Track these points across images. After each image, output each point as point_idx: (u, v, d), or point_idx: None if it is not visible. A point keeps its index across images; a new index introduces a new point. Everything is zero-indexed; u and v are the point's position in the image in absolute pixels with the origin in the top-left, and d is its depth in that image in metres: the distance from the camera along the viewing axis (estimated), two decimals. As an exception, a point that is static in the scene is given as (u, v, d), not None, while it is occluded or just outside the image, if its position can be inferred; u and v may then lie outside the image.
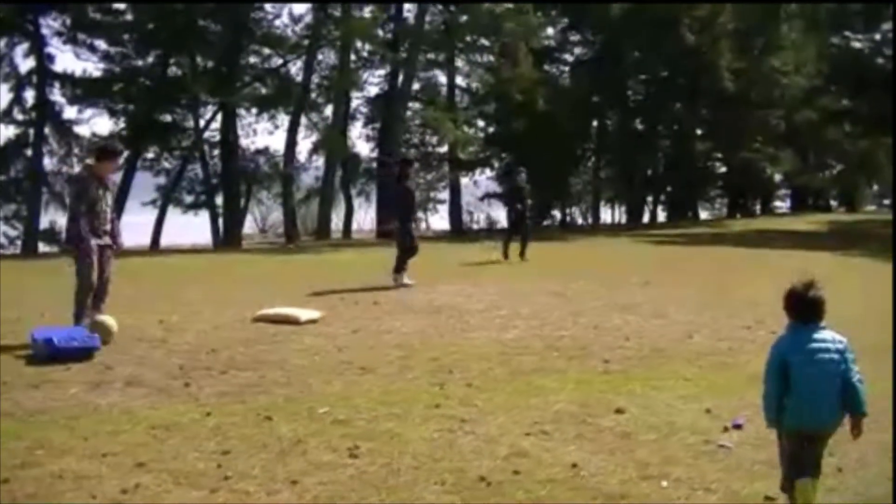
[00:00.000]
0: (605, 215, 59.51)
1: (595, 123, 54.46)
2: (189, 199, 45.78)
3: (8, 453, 7.21)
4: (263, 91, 44.93)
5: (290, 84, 44.62)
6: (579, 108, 49.33)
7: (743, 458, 7.09)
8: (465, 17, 45.55)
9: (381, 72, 48.31)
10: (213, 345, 11.63)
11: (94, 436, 7.74)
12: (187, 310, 14.60)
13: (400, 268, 18.04)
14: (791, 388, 5.97)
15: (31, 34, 40.17)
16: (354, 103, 49.66)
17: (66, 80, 41.19)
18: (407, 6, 46.46)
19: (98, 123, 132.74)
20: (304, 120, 45.25)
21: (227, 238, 42.47)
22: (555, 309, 14.98)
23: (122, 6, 41.77)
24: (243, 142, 46.15)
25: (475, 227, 53.36)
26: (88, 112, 42.45)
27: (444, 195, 52.33)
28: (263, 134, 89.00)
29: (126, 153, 36.21)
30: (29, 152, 41.06)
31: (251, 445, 7.50)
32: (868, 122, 48.62)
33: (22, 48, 40.76)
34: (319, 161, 46.62)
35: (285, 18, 65.19)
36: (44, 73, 40.41)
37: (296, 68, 45.78)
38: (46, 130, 41.20)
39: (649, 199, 57.17)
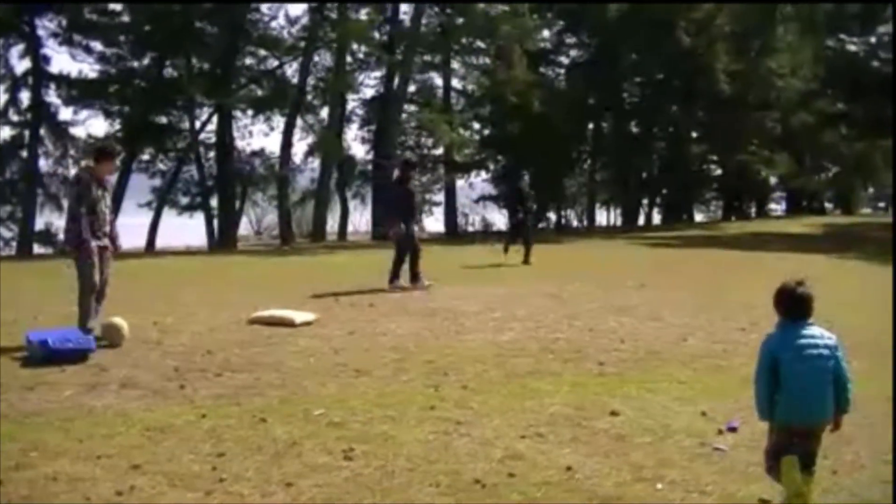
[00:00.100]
0: (601, 217, 59.51)
1: (591, 126, 54.48)
2: (184, 200, 45.74)
3: (2, 455, 7.21)
4: (259, 93, 44.83)
5: (286, 86, 44.58)
6: (575, 111, 49.32)
7: (738, 460, 7.09)
8: (461, 20, 45.54)
9: (377, 74, 48.30)
10: (208, 347, 11.63)
11: (89, 438, 7.73)
12: (182, 311, 14.60)
13: (396, 274, 18.01)
14: (782, 385, 6.10)
15: (27, 35, 40.08)
16: (350, 105, 49.69)
17: (62, 81, 41.11)
18: (403, 8, 46.51)
19: (94, 125, 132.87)
20: (299, 122, 45.25)
21: (223, 240, 42.41)
22: (550, 311, 14.98)
23: (118, 7, 41.76)
24: (239, 143, 46.12)
25: (470, 229, 53.32)
26: (84, 113, 42.43)
27: (440, 197, 52.30)
28: (259, 136, 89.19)
29: (122, 154, 36.22)
30: (24, 154, 40.94)
31: (246, 447, 7.49)
32: (864, 125, 48.77)
33: (17, 49, 40.73)
34: (315, 163, 46.63)
35: (281, 20, 64.75)
36: (39, 75, 40.34)
37: (292, 70, 45.83)
38: (42, 132, 41.11)
39: (645, 201, 57.18)
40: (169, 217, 44.88)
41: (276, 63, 45.83)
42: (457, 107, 50.28)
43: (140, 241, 38.98)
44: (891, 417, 8.25)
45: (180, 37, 40.33)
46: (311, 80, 45.39)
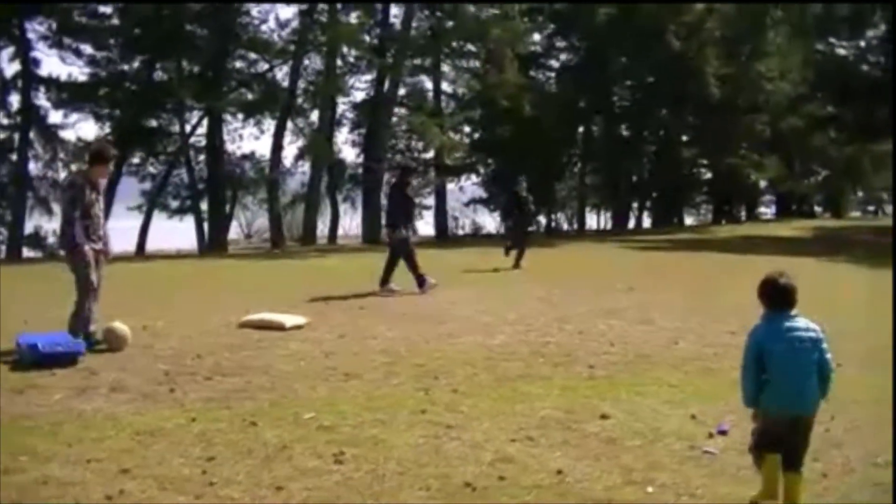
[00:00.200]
0: (591, 221, 59.53)
1: (581, 129, 54.55)
2: (175, 204, 45.72)
3: (-8, 459, 7.20)
4: (249, 96, 44.83)
5: (277, 89, 44.54)
6: (565, 114, 49.39)
7: (728, 463, 7.10)
8: (451, 23, 45.56)
9: (368, 77, 48.27)
10: (198, 350, 11.61)
11: (79, 442, 7.71)
12: (172, 315, 14.58)
13: (420, 276, 18.04)
14: (768, 375, 6.25)
15: (17, 38, 40.03)
16: (340, 109, 49.65)
17: (52, 84, 41.06)
18: (393, 11, 46.51)
19: (83, 128, 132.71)
20: (290, 125, 45.22)
21: (213, 243, 42.37)
22: (540, 315, 15.00)
23: (108, 10, 41.73)
24: (229, 147, 46.10)
25: (460, 232, 53.38)
26: (74, 116, 42.33)
27: (430, 201, 52.33)
28: (249, 139, 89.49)
29: (115, 158, 36.18)
30: (14, 157, 40.88)
31: (236, 451, 7.48)
32: (853, 129, 48.86)
33: (7, 52, 40.70)
34: (305, 166, 46.61)
35: (272, 23, 64.99)
36: (29, 78, 40.27)
37: (282, 73, 45.79)
38: (31, 135, 41.03)
39: (635, 204, 57.25)
40: (159, 220, 44.83)
41: (266, 66, 45.84)
42: (447, 110, 50.27)
43: (130, 245, 38.91)
44: (881, 420, 8.29)
45: (170, 40, 40.31)
46: (301, 84, 45.37)
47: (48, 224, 40.88)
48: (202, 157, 45.50)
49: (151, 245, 41.81)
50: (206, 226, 44.07)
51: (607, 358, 11.38)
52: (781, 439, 6.28)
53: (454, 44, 47.76)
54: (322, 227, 48.19)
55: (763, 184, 60.49)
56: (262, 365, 10.83)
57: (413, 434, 7.99)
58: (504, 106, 45.86)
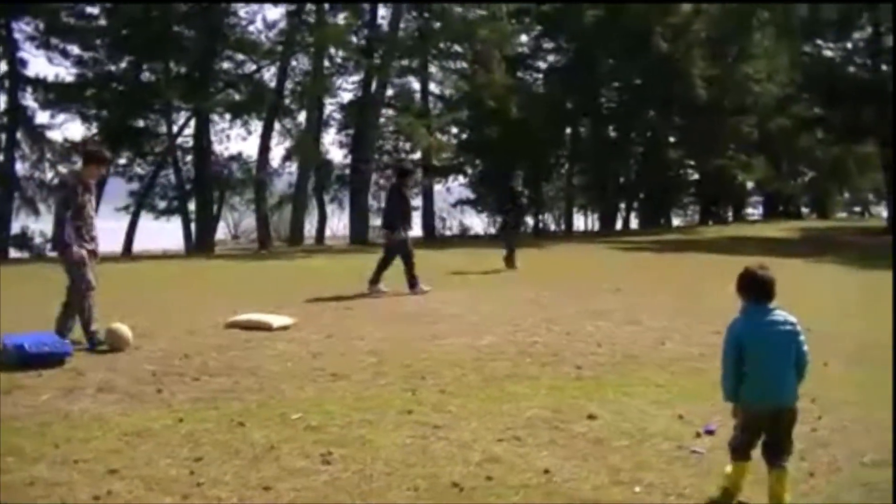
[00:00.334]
0: (578, 222, 59.67)
1: (568, 130, 54.69)
2: (162, 204, 45.71)
3: (-22, 460, 7.18)
4: (237, 97, 44.80)
5: (264, 90, 44.50)
6: (552, 115, 49.50)
7: (715, 463, 7.10)
8: (438, 24, 45.60)
9: (355, 78, 48.31)
10: (185, 351, 11.59)
11: (66, 442, 7.70)
12: (160, 316, 14.55)
13: (414, 278, 18.05)
14: (748, 368, 6.35)
15: (4, 38, 39.96)
16: (328, 109, 49.71)
17: (39, 84, 41.00)
18: (381, 12, 46.52)
19: (70, 128, 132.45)
20: (277, 126, 45.21)
21: (200, 244, 42.35)
22: (528, 315, 15.00)
23: (95, 11, 41.65)
24: (216, 147, 46.16)
25: (448, 233, 53.44)
26: (61, 117, 42.28)
27: (417, 201, 52.38)
28: (237, 140, 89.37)
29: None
30: (0, 157, 40.75)
31: (224, 451, 7.47)
32: (840, 131, 48.98)
33: (-6, 52, 40.60)
34: (293, 167, 46.64)
35: (259, 24, 65.05)
36: (16, 78, 40.20)
37: (269, 74, 45.80)
38: (18, 135, 40.95)
39: (622, 205, 57.37)
40: (146, 221, 44.77)
41: (253, 67, 45.84)
42: (434, 111, 50.33)
43: (117, 246, 38.84)
44: (868, 420, 8.33)
45: (158, 41, 40.26)
46: (288, 84, 45.41)
47: (35, 224, 40.84)
48: (189, 158, 45.50)
49: (138, 246, 41.76)
50: (193, 226, 44.04)
51: (595, 358, 11.38)
52: (762, 433, 6.41)
53: (442, 45, 47.84)
54: (309, 228, 48.23)
55: (750, 185, 60.75)
56: (249, 365, 10.81)
57: (401, 434, 7.99)
58: (491, 107, 45.94)
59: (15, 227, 40.68)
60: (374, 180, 48.18)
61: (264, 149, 43.32)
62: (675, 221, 60.52)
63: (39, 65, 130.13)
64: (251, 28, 45.35)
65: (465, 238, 48.82)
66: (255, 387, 9.79)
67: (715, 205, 61.12)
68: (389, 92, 48.17)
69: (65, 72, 45.73)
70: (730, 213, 62.97)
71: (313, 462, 7.23)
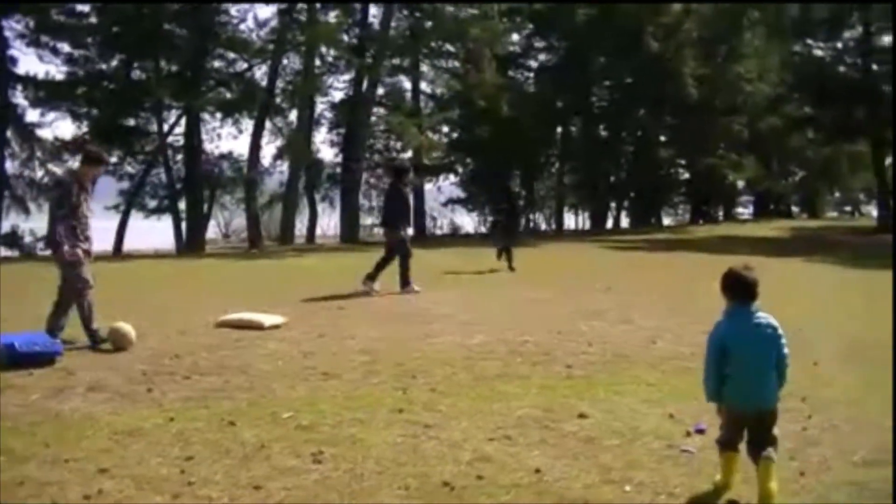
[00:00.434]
0: (569, 221, 59.68)
1: (559, 129, 54.68)
2: (152, 203, 45.56)
3: (-31, 459, 7.17)
4: (228, 95, 44.67)
5: (255, 89, 44.39)
6: (543, 114, 49.52)
7: (706, 461, 7.11)
8: (430, 23, 45.60)
9: (346, 77, 48.27)
10: (176, 350, 11.58)
11: (56, 442, 7.69)
12: (150, 315, 14.54)
13: (407, 277, 18.04)
14: (731, 370, 6.45)
15: (-7, 36, 39.88)
16: (319, 108, 49.65)
17: (29, 82, 40.82)
18: (372, 11, 46.46)
19: (61, 127, 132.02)
20: (268, 125, 45.15)
21: (191, 243, 42.27)
22: (519, 314, 15.01)
23: (86, 9, 41.54)
24: (207, 146, 45.99)
25: (438, 232, 53.45)
26: (51, 115, 42.05)
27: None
28: (227, 138, 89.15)
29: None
30: (-10, 156, 40.70)
31: (214, 451, 7.47)
32: (830, 130, 49.09)
33: (-16, 50, 40.46)
34: (283, 166, 46.59)
35: (250, 23, 65.05)
36: (6, 76, 40.03)
37: (261, 73, 45.70)
38: (8, 133, 40.79)
39: (613, 204, 57.40)
40: (136, 220, 44.67)
41: (244, 66, 45.70)
42: (426, 110, 50.33)
43: (107, 245, 38.74)
44: (858, 419, 8.35)
45: (149, 39, 40.13)
46: (279, 83, 45.32)
47: (25, 223, 40.73)
48: (180, 157, 45.35)
49: (129, 245, 41.64)
50: (183, 225, 43.94)
51: (585, 357, 11.39)
52: (744, 431, 6.51)
53: (433, 44, 47.82)
54: (300, 227, 48.16)
55: (741, 184, 60.85)
56: (240, 364, 10.81)
57: (391, 433, 7.99)
58: (482, 106, 45.92)
59: (5, 226, 40.56)
60: (364, 179, 48.17)
61: (255, 147, 43.26)
62: (666, 221, 60.58)
63: (30, 62, 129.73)
64: (242, 27, 45.30)
65: (455, 237, 48.81)
66: (245, 386, 9.79)
67: (706, 204, 61.22)
68: (380, 91, 48.23)
69: (55, 70, 45.49)
70: (720, 213, 63.07)
71: (304, 461, 7.23)
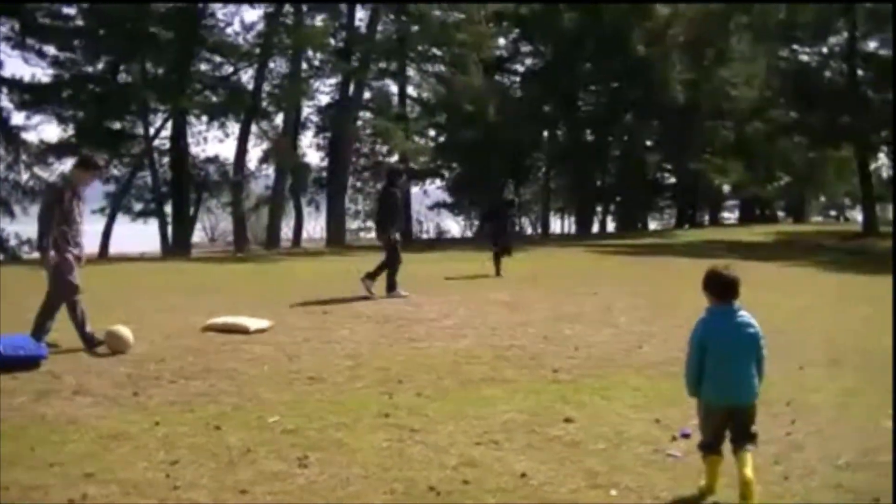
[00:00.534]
0: (555, 225, 59.76)
1: (546, 134, 54.72)
2: (138, 206, 45.43)
3: (-47, 463, 7.14)
4: (214, 99, 44.61)
5: (241, 92, 44.35)
6: (530, 119, 49.53)
7: (691, 466, 7.12)
8: (416, 27, 45.61)
9: (333, 81, 48.24)
10: (161, 354, 11.56)
11: (41, 446, 7.67)
12: (136, 318, 14.48)
13: (393, 283, 18.00)
14: (714, 367, 6.56)
15: (-22, 39, 39.76)
16: (305, 112, 49.61)
17: (15, 85, 40.72)
18: (359, 15, 46.46)
19: (46, 130, 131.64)
20: (254, 128, 45.10)
21: (177, 246, 42.17)
22: (505, 319, 15.01)
23: (72, 11, 41.44)
24: (193, 149, 45.90)
25: (424, 236, 53.47)
26: (37, 118, 41.94)
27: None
28: (214, 142, 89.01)
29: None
30: (-25, 159, 40.58)
31: (200, 455, 7.46)
32: (816, 135, 49.20)
33: (-32, 53, 40.42)
34: (269, 169, 46.56)
35: (237, 26, 64.92)
36: (-9, 79, 40.00)
37: (247, 76, 45.67)
38: (-7, 137, 40.75)
39: (599, 209, 57.47)
40: (122, 223, 44.55)
41: (231, 69, 45.65)
42: (412, 114, 50.32)
43: (93, 248, 38.64)
44: (842, 423, 8.38)
45: (135, 42, 40.02)
46: (266, 87, 45.25)
47: (10, 227, 40.61)
48: (166, 160, 45.27)
49: (115, 248, 41.52)
50: (169, 229, 43.85)
51: (571, 362, 11.40)
52: (724, 427, 6.63)
53: (419, 48, 47.83)
54: (286, 231, 48.12)
55: (726, 189, 60.95)
56: (225, 368, 10.80)
57: (377, 438, 7.99)
58: (469, 110, 45.94)
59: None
60: (350, 183, 48.15)
61: (241, 151, 43.21)
62: (652, 225, 60.72)
63: (15, 65, 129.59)
64: (229, 30, 45.19)
65: (441, 241, 48.80)
66: (231, 390, 9.78)
67: (692, 208, 61.33)
68: (367, 95, 48.19)
69: (41, 72, 45.45)
70: (706, 217, 63.20)
71: (290, 465, 7.23)
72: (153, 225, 44.78)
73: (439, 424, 8.41)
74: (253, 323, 13.54)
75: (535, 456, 7.52)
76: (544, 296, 18.21)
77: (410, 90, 52.01)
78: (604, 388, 9.99)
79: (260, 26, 44.39)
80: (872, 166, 51.66)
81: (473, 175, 49.93)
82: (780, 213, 69.09)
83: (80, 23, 41.45)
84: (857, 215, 60.25)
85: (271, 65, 45.32)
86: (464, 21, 44.40)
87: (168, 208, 44.35)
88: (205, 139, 49.72)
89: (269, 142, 46.11)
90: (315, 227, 54.16)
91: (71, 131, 42.28)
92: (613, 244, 37.83)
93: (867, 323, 14.60)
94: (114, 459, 7.34)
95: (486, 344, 12.59)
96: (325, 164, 48.96)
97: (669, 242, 39.67)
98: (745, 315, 6.63)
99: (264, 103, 45.31)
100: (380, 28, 45.15)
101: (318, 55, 45.29)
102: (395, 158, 49.15)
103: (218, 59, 45.02)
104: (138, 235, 44.65)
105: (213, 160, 47.00)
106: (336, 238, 43.43)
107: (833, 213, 75.63)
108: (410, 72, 50.65)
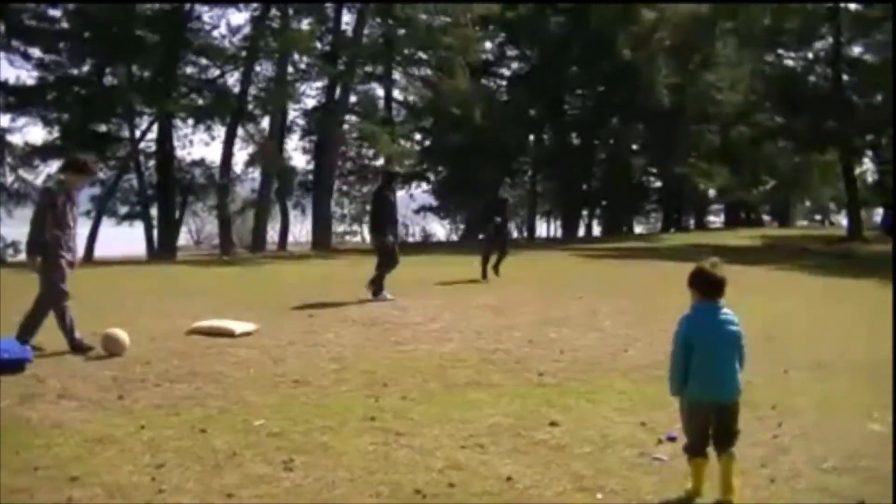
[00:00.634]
0: (541, 229, 59.80)
1: (532, 137, 54.76)
2: (124, 209, 45.27)
3: (-63, 467, 7.12)
4: (200, 102, 44.49)
5: (228, 95, 44.25)
6: (516, 123, 49.56)
7: (677, 469, 7.13)
8: (403, 31, 45.60)
9: (319, 84, 48.19)
10: (147, 357, 11.53)
11: (26, 449, 7.65)
12: (121, 322, 14.43)
13: (380, 286, 17.98)
14: (698, 364, 6.58)
15: (-37, 41, 39.61)
16: (291, 115, 49.53)
17: (0, 87, 40.62)
18: (345, 18, 46.43)
19: (31, 132, 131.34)
20: (240, 131, 45.01)
21: (162, 250, 42.07)
22: (490, 322, 15.02)
23: (57, 13, 41.33)
24: (179, 153, 45.77)
25: (410, 240, 53.43)
26: (22, 121, 41.77)
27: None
28: (200, 145, 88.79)
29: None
30: (-40, 161, 40.41)
31: (186, 458, 7.45)
32: (801, 140, 49.34)
33: (-47, 55, 40.20)
34: (255, 173, 46.47)
35: (223, 29, 64.70)
36: (-24, 81, 39.83)
37: (233, 79, 45.57)
38: (-22, 139, 40.57)
39: (585, 212, 57.53)
40: (108, 226, 44.43)
41: (217, 72, 45.55)
42: (398, 118, 50.31)
43: (78, 251, 38.48)
44: (828, 426, 8.40)
45: (121, 44, 39.91)
46: (252, 90, 45.14)
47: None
48: (152, 163, 45.13)
49: (100, 251, 41.42)
50: (155, 232, 43.75)
51: (557, 365, 11.41)
52: (708, 426, 6.63)
53: (406, 51, 47.82)
54: (272, 234, 48.04)
55: (712, 193, 61.06)
56: (211, 372, 10.78)
57: (363, 441, 7.98)
58: (455, 114, 45.94)
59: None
60: (336, 187, 48.11)
61: (227, 154, 43.14)
62: (638, 229, 60.81)
63: (0, 67, 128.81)
64: (215, 33, 45.03)
65: (427, 245, 48.79)
66: (217, 393, 9.76)
67: (677, 212, 61.44)
68: (353, 98, 48.13)
69: (26, 74, 45.33)
70: (692, 221, 63.31)
71: (275, 469, 7.22)
72: (139, 228, 44.67)
73: (425, 428, 8.41)
74: (238, 326, 13.53)
75: (521, 459, 7.52)
76: (530, 299, 18.22)
77: (396, 94, 52.08)
78: (589, 391, 10.00)
79: (246, 29, 44.33)
80: (857, 170, 51.83)
81: (460, 179, 49.92)
82: (766, 217, 69.30)
83: (65, 25, 41.33)
84: (842, 219, 60.44)
85: (257, 68, 45.22)
86: (450, 25, 44.33)
87: (154, 211, 44.22)
88: (191, 142, 49.72)
89: (255, 145, 46.01)
90: (301, 230, 54.10)
91: (56, 134, 42.10)
92: (599, 248, 37.86)
93: (852, 326, 14.65)
94: (99, 463, 7.32)
95: (471, 347, 12.60)
96: (311, 167, 48.85)
97: (655, 246, 39.72)
98: (728, 312, 6.67)
99: (250, 106, 45.16)
100: (366, 31, 45.09)
101: (305, 58, 45.20)
102: (380, 162, 49.21)
103: (204, 62, 44.89)
104: (124, 238, 44.49)
105: (199, 163, 46.87)
106: (322, 241, 43.37)
107: (818, 217, 75.88)
108: (396, 75, 50.67)
